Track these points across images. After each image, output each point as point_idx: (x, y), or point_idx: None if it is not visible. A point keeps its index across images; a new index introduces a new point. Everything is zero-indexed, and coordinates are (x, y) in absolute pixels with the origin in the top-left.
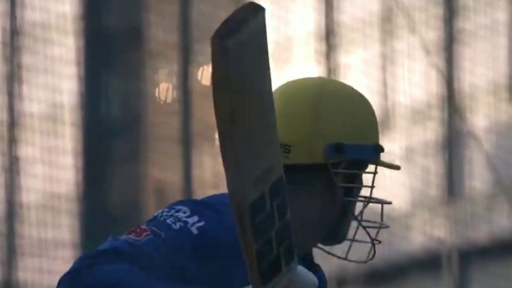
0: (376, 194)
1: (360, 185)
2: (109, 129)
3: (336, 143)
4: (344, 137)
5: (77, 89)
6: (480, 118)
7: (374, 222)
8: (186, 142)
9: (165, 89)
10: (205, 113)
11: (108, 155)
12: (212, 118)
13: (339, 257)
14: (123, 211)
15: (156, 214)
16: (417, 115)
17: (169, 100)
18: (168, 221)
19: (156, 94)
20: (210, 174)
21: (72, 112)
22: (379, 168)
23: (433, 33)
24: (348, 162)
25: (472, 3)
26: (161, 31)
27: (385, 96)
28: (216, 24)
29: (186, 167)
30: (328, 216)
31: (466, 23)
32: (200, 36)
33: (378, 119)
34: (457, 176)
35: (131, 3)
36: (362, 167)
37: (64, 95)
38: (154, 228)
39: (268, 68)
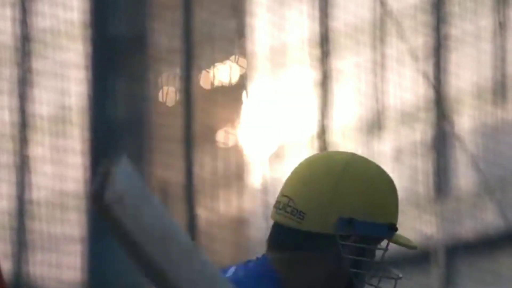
0: None
1: (366, 258)
2: (115, 130)
3: (348, 217)
4: (357, 213)
5: (85, 92)
6: (466, 120)
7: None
8: (188, 143)
9: (168, 92)
10: (205, 115)
11: (114, 154)
12: (212, 120)
13: None
14: None
15: None
16: (406, 118)
17: (171, 102)
18: None
19: (160, 97)
20: (210, 173)
21: (80, 114)
22: None
23: (421, 39)
24: (359, 237)
25: (459, 10)
26: (164, 37)
27: (375, 99)
28: (216, 31)
29: (187, 166)
30: (334, 285)
31: (452, 30)
32: (201, 42)
33: (369, 122)
34: (444, 176)
35: (136, 11)
36: (374, 243)
37: (72, 97)
38: None
39: (162, 208)
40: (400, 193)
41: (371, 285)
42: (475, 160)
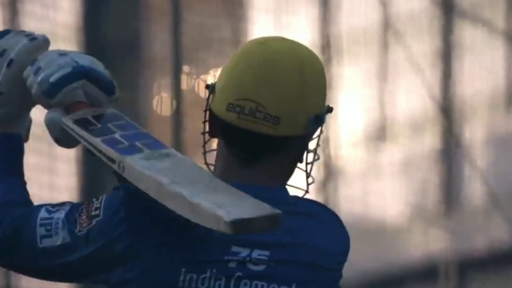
0: (374, 203)
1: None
2: None
3: (315, 115)
4: (321, 108)
5: None
6: (475, 131)
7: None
8: (179, 152)
9: (159, 99)
10: (197, 123)
11: (105, 172)
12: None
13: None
14: None
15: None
16: (413, 128)
17: (163, 110)
18: None
19: (152, 104)
20: None
21: None
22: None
23: (428, 46)
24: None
25: (467, 15)
26: (157, 42)
27: (381, 109)
28: (210, 34)
29: None
30: (288, 176)
31: (461, 36)
32: (193, 47)
33: (374, 132)
34: (453, 189)
35: (129, 15)
36: None
37: None
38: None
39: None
40: (408, 207)
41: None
42: (485, 173)
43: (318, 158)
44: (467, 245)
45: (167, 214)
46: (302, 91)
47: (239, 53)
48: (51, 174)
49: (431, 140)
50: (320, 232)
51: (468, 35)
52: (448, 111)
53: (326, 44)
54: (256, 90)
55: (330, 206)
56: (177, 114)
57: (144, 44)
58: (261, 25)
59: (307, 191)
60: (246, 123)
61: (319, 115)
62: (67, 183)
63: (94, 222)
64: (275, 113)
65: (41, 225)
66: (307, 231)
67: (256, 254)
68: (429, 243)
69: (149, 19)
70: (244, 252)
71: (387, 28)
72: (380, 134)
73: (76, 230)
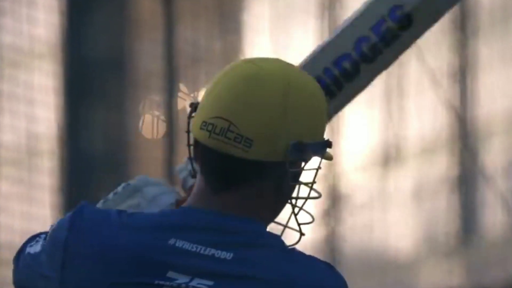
0: (381, 234)
1: (310, 182)
2: (89, 163)
3: (297, 141)
4: (305, 135)
5: (54, 120)
6: (495, 154)
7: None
8: (170, 180)
9: (149, 122)
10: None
11: (89, 192)
12: None
13: (280, 224)
14: None
15: None
16: (427, 150)
17: (153, 133)
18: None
19: (139, 126)
20: None
21: (49, 145)
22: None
23: (443, 61)
24: (303, 161)
25: (486, 28)
26: (145, 59)
27: (390, 129)
28: (202, 52)
29: None
30: (277, 214)
31: (479, 50)
32: (185, 65)
33: (383, 154)
34: (470, 218)
35: (113, 29)
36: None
37: (40, 125)
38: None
39: None
40: (419, 239)
41: (296, 206)
42: (506, 199)
43: (319, 196)
44: (485, 281)
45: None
46: (283, 115)
47: (224, 70)
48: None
49: (445, 164)
50: (287, 266)
51: (484, 52)
52: (465, 132)
53: None
54: (231, 109)
55: (334, 237)
56: (170, 137)
57: (130, 62)
58: (258, 41)
59: (301, 233)
60: (216, 143)
61: (302, 142)
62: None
63: None
64: (248, 135)
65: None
66: (266, 264)
67: (195, 282)
68: (442, 279)
69: (137, 34)
70: (181, 279)
71: None
72: (389, 157)
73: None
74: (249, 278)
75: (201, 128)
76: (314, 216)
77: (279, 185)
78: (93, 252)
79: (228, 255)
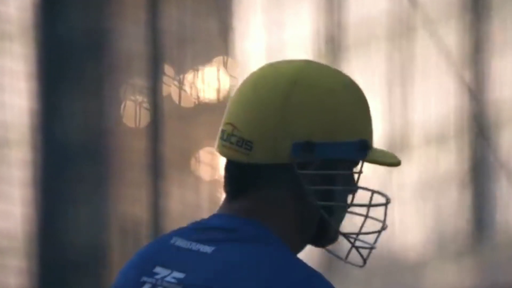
0: (387, 234)
1: (336, 186)
2: (66, 155)
3: (304, 141)
4: (315, 134)
5: (28, 107)
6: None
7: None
8: (155, 171)
9: (131, 109)
10: (177, 136)
11: (66, 186)
12: (185, 143)
13: (338, 258)
14: (84, 253)
15: None
16: (437, 138)
17: (136, 121)
18: None
19: (121, 114)
20: (181, 208)
21: (22, 134)
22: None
23: (457, 40)
24: (322, 162)
25: (504, 5)
26: (126, 40)
27: (397, 114)
28: (188, 32)
29: (154, 200)
30: (305, 223)
31: (496, 28)
32: (170, 46)
33: (388, 143)
34: (483, 215)
35: (92, 8)
36: (347, 167)
37: (13, 113)
38: None
39: None
40: (427, 236)
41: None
42: None
43: (386, 203)
44: (499, 284)
45: None
46: (283, 114)
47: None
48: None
49: (456, 154)
50: (258, 264)
51: (500, 33)
52: (481, 118)
53: (330, 38)
54: (236, 112)
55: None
56: (154, 125)
57: (110, 43)
58: (249, 18)
59: (352, 245)
60: (223, 150)
61: (311, 142)
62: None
63: None
64: (248, 137)
65: None
66: (239, 259)
67: (171, 276)
68: (452, 282)
69: (118, 13)
70: (162, 273)
71: (407, 17)
72: (393, 147)
73: None
74: (217, 273)
75: (218, 138)
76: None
77: (297, 191)
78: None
79: (209, 249)
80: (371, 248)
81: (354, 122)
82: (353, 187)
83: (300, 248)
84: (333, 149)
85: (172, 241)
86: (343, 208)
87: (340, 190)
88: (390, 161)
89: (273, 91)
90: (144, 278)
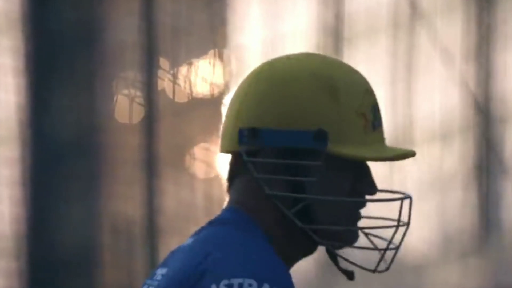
0: (385, 234)
1: (308, 178)
2: (56, 152)
3: (249, 127)
4: (263, 120)
5: (15, 102)
6: None
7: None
8: (150, 168)
9: (123, 103)
10: (171, 133)
11: (57, 184)
12: (180, 139)
13: (350, 262)
14: (75, 252)
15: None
16: (440, 135)
17: (129, 117)
18: None
19: (114, 108)
20: (177, 207)
21: (9, 131)
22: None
23: (459, 32)
24: (275, 150)
25: None
26: (119, 32)
27: (399, 110)
28: (183, 23)
29: (149, 198)
30: (284, 216)
31: (501, 22)
32: (165, 37)
33: (390, 140)
34: (491, 213)
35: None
36: (309, 157)
37: (0, 109)
38: None
39: None
40: (431, 236)
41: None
42: None
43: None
44: (506, 286)
45: None
46: (241, 104)
47: None
48: None
49: (460, 152)
50: (215, 245)
51: (505, 26)
52: (485, 114)
53: (329, 31)
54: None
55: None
56: (148, 121)
57: (103, 34)
58: (246, 10)
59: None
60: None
61: (254, 128)
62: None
63: None
64: (223, 128)
65: None
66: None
67: (159, 274)
68: (457, 283)
69: (110, 3)
70: (158, 272)
71: (410, 9)
72: (395, 144)
73: None
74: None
75: None
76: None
77: (258, 181)
78: None
79: (190, 241)
80: (395, 249)
81: (314, 111)
82: (312, 179)
83: (291, 243)
84: (282, 137)
85: (185, 243)
86: (332, 204)
87: (313, 182)
88: (361, 155)
89: (244, 82)
90: (147, 281)
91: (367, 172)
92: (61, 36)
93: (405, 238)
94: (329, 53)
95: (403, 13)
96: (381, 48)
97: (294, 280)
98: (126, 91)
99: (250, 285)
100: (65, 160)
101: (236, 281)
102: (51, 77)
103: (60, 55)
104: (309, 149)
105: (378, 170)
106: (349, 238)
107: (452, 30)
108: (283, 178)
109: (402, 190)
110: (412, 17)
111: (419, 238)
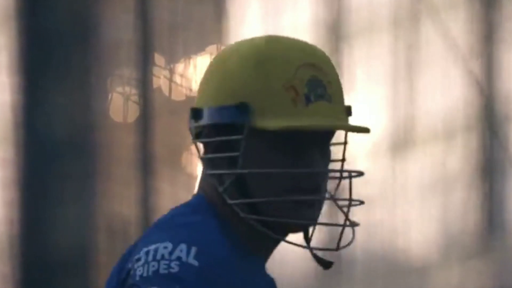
0: (391, 234)
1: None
2: (49, 150)
3: (196, 107)
4: (207, 100)
5: (9, 101)
6: None
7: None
8: (145, 167)
9: (118, 102)
10: (167, 131)
11: (51, 184)
12: (175, 138)
13: (288, 242)
14: (70, 254)
15: (132, 266)
16: (444, 133)
17: (124, 115)
18: (161, 269)
19: (108, 107)
20: (173, 206)
21: (3, 131)
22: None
23: (463, 28)
24: (211, 128)
25: None
26: (114, 29)
27: (400, 108)
28: (180, 18)
29: (144, 197)
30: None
31: (506, 16)
32: (161, 34)
33: (393, 138)
34: (495, 214)
35: None
36: (240, 131)
37: None
38: None
39: None
40: (435, 238)
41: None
42: None
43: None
44: None
45: None
46: (200, 84)
47: None
48: None
49: (466, 150)
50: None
51: (510, 22)
52: (490, 112)
53: (330, 26)
54: None
55: (332, 238)
56: (144, 119)
57: (98, 31)
58: (244, 4)
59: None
60: None
61: (196, 108)
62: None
63: None
64: None
65: None
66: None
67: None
68: (462, 284)
69: (105, 0)
70: None
71: (414, 5)
72: (398, 143)
73: None
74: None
75: None
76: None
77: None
78: None
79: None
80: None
81: (240, 86)
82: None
83: (243, 225)
84: (215, 114)
85: None
86: (265, 176)
87: (249, 157)
88: (281, 125)
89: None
90: None
91: (302, 147)
92: (55, 34)
93: (407, 240)
94: (329, 49)
95: (405, 8)
96: (382, 45)
97: (294, 280)
98: (121, 89)
99: (165, 247)
100: (59, 160)
101: (152, 247)
102: (45, 75)
103: (54, 53)
104: (237, 124)
105: (379, 170)
106: (283, 212)
107: (456, 26)
108: (212, 156)
109: (404, 191)
110: (415, 13)
111: (422, 239)
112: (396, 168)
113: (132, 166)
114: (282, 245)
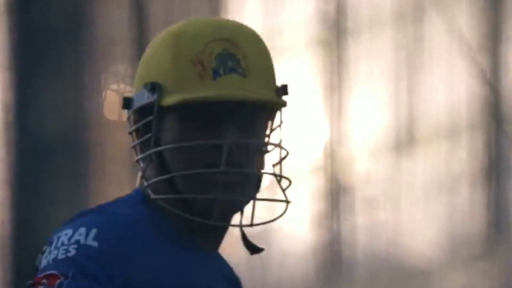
0: (394, 236)
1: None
2: (42, 150)
3: (125, 97)
4: (134, 90)
5: (1, 100)
6: None
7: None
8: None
9: (112, 99)
10: None
11: (43, 183)
12: None
13: (192, 218)
14: None
15: (42, 258)
16: (448, 131)
17: (117, 113)
18: (59, 255)
19: (102, 105)
20: None
21: None
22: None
23: (469, 23)
24: (136, 113)
25: None
26: (108, 24)
27: (403, 105)
28: (176, 14)
29: None
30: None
31: (510, 17)
32: (157, 30)
33: (396, 136)
34: (502, 214)
35: None
36: (169, 115)
37: None
38: (55, 272)
39: None
40: (440, 239)
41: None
42: None
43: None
44: None
45: None
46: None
47: None
48: None
49: (471, 149)
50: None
51: None
52: (495, 111)
53: (331, 21)
54: None
55: (335, 240)
56: None
57: (91, 27)
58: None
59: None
60: None
61: (126, 97)
62: None
63: None
64: None
65: None
66: None
67: None
68: (470, 284)
69: None
70: None
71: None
72: (401, 142)
73: None
74: None
75: None
76: (311, 219)
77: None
78: None
79: None
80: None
81: (154, 67)
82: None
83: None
84: (136, 99)
85: None
86: (178, 153)
87: (168, 138)
88: (178, 99)
89: None
90: None
91: (217, 121)
92: (47, 30)
93: (411, 241)
94: (330, 45)
95: (408, 2)
96: (385, 41)
97: (294, 282)
98: (115, 86)
99: (66, 234)
100: (52, 159)
101: (55, 236)
102: (37, 72)
103: (46, 49)
104: (148, 105)
105: (382, 169)
106: (193, 189)
107: (462, 20)
108: (134, 143)
109: (408, 191)
110: (418, 7)
111: (426, 240)
112: (399, 167)
113: (126, 165)
114: (282, 246)
